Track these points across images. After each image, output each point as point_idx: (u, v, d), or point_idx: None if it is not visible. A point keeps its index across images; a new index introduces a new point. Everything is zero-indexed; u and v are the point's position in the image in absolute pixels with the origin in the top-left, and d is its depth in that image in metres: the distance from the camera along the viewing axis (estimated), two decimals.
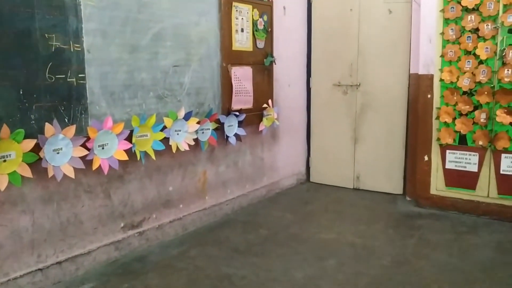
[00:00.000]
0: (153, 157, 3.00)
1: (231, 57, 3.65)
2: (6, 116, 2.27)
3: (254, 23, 3.86)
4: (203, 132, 3.41)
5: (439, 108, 3.80)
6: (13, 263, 2.42)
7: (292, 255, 3.05)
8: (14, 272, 2.42)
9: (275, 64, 4.15)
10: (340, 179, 4.74)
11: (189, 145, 3.27)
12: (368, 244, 3.21)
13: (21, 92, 2.33)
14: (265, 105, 4.06)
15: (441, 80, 3.76)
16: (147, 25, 2.98)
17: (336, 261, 2.94)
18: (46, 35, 2.41)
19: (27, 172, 2.31)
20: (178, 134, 3.19)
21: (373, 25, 4.36)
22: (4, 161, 2.22)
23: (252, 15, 3.83)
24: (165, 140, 3.09)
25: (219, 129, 3.57)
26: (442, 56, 3.74)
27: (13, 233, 2.41)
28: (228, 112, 3.65)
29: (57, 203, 2.59)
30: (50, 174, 2.42)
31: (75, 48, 2.56)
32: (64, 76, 2.51)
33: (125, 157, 2.79)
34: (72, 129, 2.49)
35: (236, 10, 3.66)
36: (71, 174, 2.51)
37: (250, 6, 3.80)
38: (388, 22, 4.27)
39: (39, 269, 2.53)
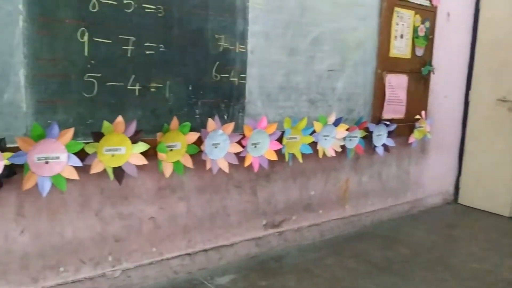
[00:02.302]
0: (300, 160, 3.01)
1: (386, 64, 3.50)
2: (176, 109, 2.47)
3: (415, 30, 3.64)
4: (350, 140, 3.33)
5: None
6: (168, 244, 2.63)
7: (438, 281, 2.81)
8: (168, 253, 2.63)
9: (433, 73, 3.87)
10: (493, 205, 4.26)
11: (335, 151, 3.22)
12: None
13: (190, 88, 2.51)
14: (417, 116, 3.82)
15: None
16: (307, 29, 2.99)
17: None
18: (216, 35, 2.56)
19: (189, 162, 2.49)
20: (326, 139, 3.16)
21: None
22: (171, 150, 2.41)
23: (414, 21, 3.62)
24: (313, 144, 3.08)
25: (367, 137, 3.45)
26: None
27: (170, 217, 2.62)
28: (378, 120, 3.51)
29: (209, 194, 2.75)
30: (208, 166, 2.57)
31: (240, 49, 2.68)
32: (227, 75, 2.65)
33: (274, 157, 2.84)
34: (230, 126, 2.61)
35: (397, 16, 3.49)
36: (226, 169, 2.63)
37: (413, 12, 3.60)
38: None
39: (188, 254, 2.71)
